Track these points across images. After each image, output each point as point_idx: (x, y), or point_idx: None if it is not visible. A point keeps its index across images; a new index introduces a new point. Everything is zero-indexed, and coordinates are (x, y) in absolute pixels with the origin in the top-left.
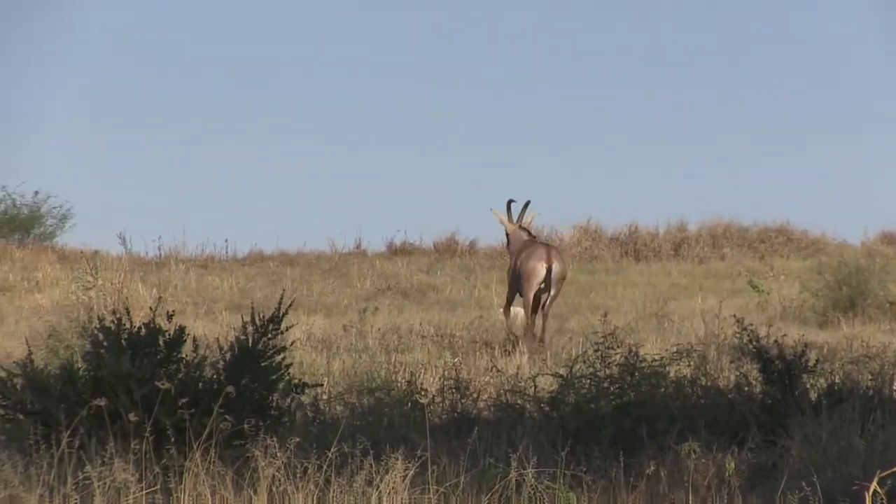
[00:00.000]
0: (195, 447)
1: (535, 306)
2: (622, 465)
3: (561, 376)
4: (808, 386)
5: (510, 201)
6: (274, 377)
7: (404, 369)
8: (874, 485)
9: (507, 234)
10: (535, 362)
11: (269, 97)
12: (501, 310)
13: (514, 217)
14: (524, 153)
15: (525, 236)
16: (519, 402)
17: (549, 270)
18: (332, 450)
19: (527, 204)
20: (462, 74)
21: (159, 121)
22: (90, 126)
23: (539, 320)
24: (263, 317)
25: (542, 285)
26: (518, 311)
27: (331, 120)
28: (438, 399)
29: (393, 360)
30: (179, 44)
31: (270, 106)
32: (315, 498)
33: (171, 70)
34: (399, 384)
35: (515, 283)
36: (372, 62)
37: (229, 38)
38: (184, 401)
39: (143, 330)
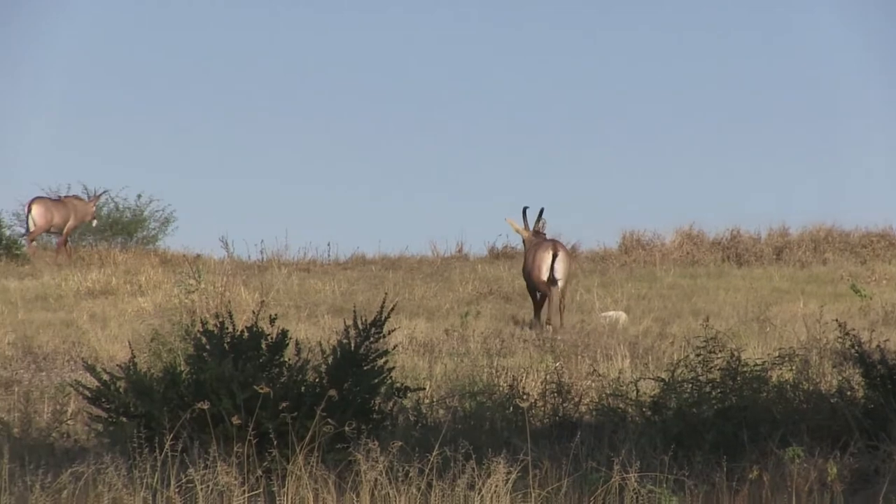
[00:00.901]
0: (297, 451)
1: (547, 296)
2: (724, 469)
3: (663, 380)
4: None
5: (525, 208)
6: (376, 381)
7: (506, 373)
8: None
9: (524, 241)
10: (637, 366)
11: (373, 101)
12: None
13: (531, 224)
14: (624, 158)
15: (535, 237)
16: (621, 406)
17: (553, 259)
18: (434, 453)
19: (541, 211)
20: (567, 81)
21: (263, 125)
22: (192, 130)
23: (553, 308)
24: (366, 320)
25: (550, 275)
26: (621, 315)
27: (434, 125)
28: (540, 403)
29: (495, 363)
30: (273, 47)
31: (372, 109)
32: (417, 502)
33: (273, 75)
34: (501, 388)
35: (528, 279)
36: (473, 66)
37: (332, 41)
38: (286, 404)
39: (246, 333)
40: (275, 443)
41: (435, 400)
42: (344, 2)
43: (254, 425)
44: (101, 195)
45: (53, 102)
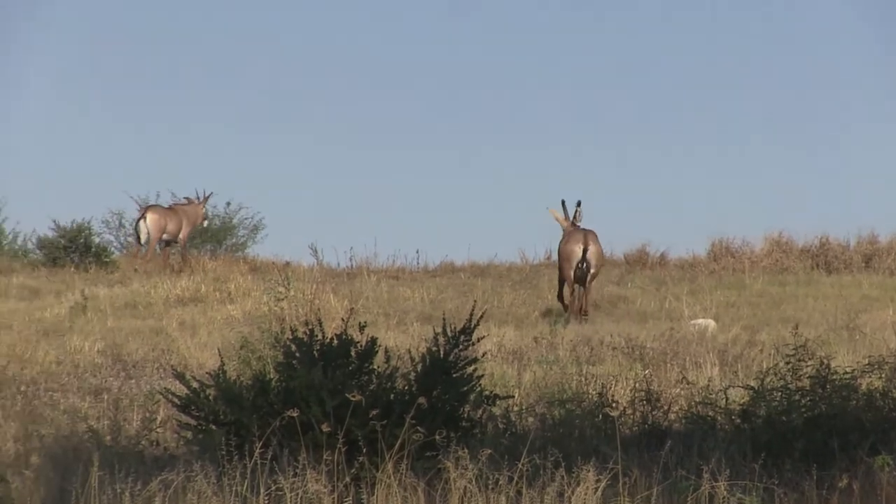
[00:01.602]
0: (387, 458)
1: (579, 283)
2: (814, 478)
3: (752, 388)
4: None
5: (563, 201)
6: (465, 388)
7: (595, 381)
8: None
9: (563, 230)
10: (727, 374)
11: (463, 109)
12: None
13: (570, 215)
14: (713, 165)
15: (571, 226)
16: (710, 414)
17: (584, 250)
18: (524, 461)
19: (578, 203)
20: (655, 86)
21: (353, 133)
22: (282, 137)
23: (582, 296)
24: (455, 328)
25: (580, 263)
26: (710, 322)
27: (523, 133)
28: (629, 411)
29: (584, 371)
30: (367, 53)
31: (463, 118)
32: None
33: (367, 81)
34: (590, 396)
35: (561, 267)
36: (560, 73)
37: (422, 49)
38: (375, 412)
39: (335, 341)
40: (364, 450)
41: (524, 408)
42: (442, 9)
43: (343, 433)
44: (208, 196)
45: (139, 109)
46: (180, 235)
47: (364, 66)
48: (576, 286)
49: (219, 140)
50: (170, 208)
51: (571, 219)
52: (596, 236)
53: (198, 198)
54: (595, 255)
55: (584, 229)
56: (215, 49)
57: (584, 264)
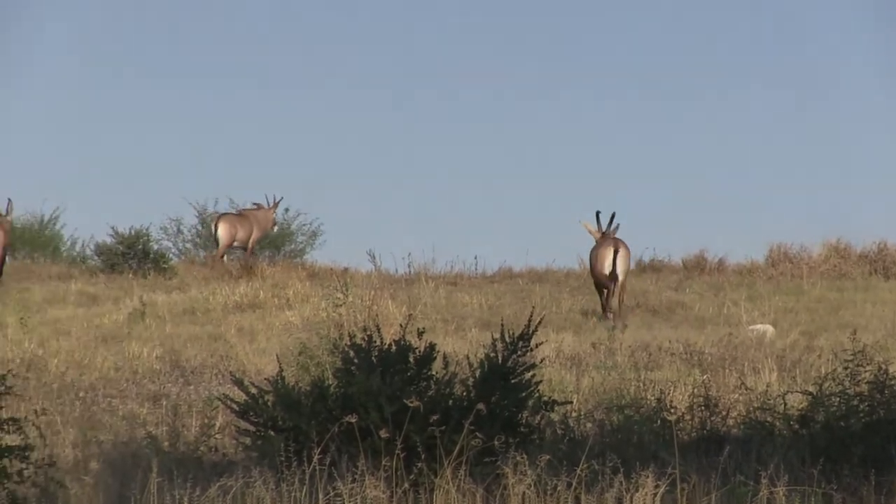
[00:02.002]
0: (446, 464)
1: (609, 289)
2: (873, 483)
3: (810, 394)
4: None
5: (598, 212)
6: (524, 394)
7: (653, 386)
8: None
9: (595, 242)
10: (785, 380)
11: (520, 115)
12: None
13: (603, 227)
14: (771, 171)
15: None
16: (768, 419)
17: (615, 256)
18: (582, 467)
19: (612, 215)
20: (711, 94)
21: (410, 140)
22: (341, 144)
23: (614, 300)
24: (513, 334)
25: (610, 270)
26: (768, 328)
27: (581, 138)
28: (688, 416)
29: (642, 377)
30: (423, 60)
31: (519, 124)
32: None
33: (425, 87)
34: (648, 401)
35: (593, 274)
36: (616, 78)
37: (479, 55)
38: (434, 418)
39: (394, 347)
40: (423, 456)
41: (582, 413)
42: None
43: (402, 439)
44: (279, 202)
45: (196, 115)
46: (250, 241)
47: (422, 68)
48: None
49: (277, 145)
50: (240, 215)
51: (604, 231)
52: (625, 244)
53: (268, 203)
54: (623, 260)
55: (613, 238)
56: (266, 53)
57: (614, 270)
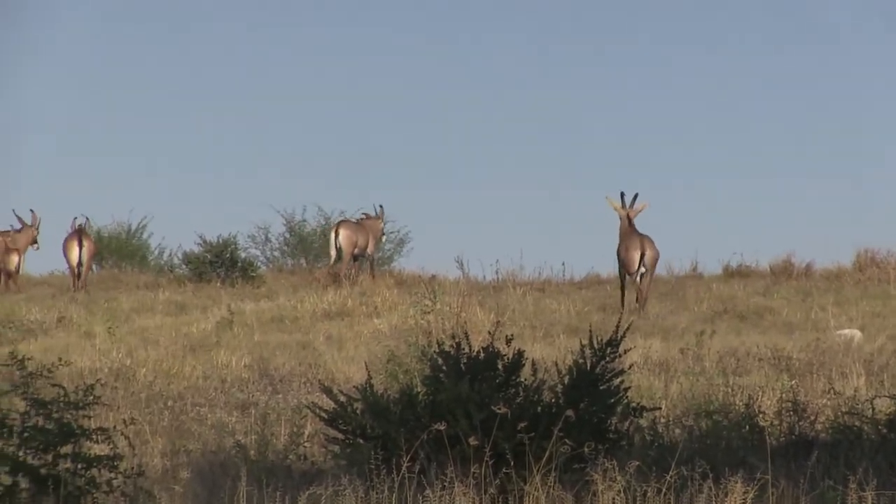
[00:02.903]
0: (535, 471)
1: (635, 283)
2: None
3: None
4: None
5: (622, 193)
6: (612, 400)
7: (742, 392)
8: None
9: (619, 219)
10: (873, 384)
11: (610, 122)
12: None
13: (626, 204)
14: (858, 176)
15: (628, 224)
16: (856, 424)
17: (642, 255)
18: (671, 473)
19: (635, 196)
20: (803, 101)
21: (497, 147)
22: (429, 153)
23: (640, 294)
24: (601, 340)
25: (638, 266)
26: (856, 333)
27: (661, 144)
28: (776, 421)
29: (730, 382)
30: (514, 71)
31: (604, 131)
32: None
33: (515, 93)
34: (737, 407)
35: (621, 267)
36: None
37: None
38: (523, 424)
39: (482, 354)
40: (511, 463)
41: (671, 419)
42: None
43: (491, 446)
44: (382, 210)
45: (283, 125)
46: (368, 250)
47: (507, 71)
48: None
49: (363, 152)
50: (358, 223)
51: (628, 207)
52: (652, 242)
53: (375, 212)
54: (651, 258)
55: (640, 235)
56: (364, 63)
57: (642, 267)
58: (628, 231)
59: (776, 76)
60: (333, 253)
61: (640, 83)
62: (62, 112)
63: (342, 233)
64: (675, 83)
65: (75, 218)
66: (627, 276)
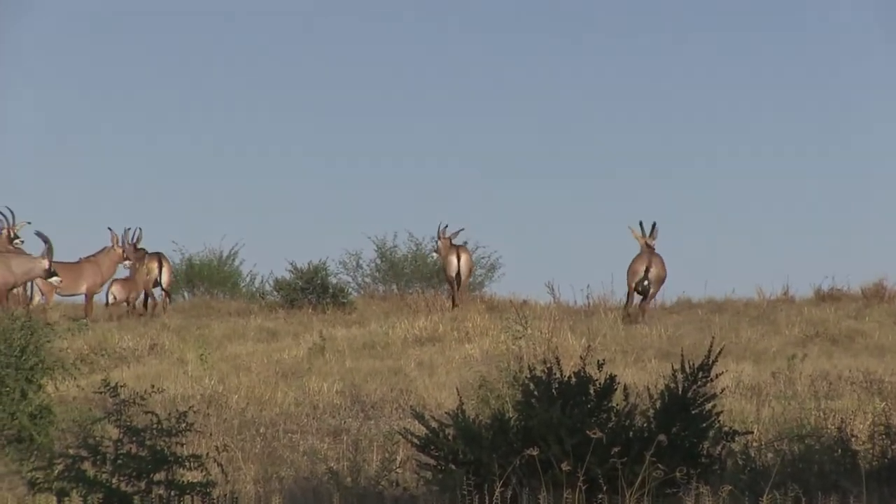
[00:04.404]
0: (627, 496)
1: (640, 297)
2: None
3: None
4: None
5: (641, 222)
6: (704, 425)
7: (834, 416)
8: None
9: (640, 247)
10: None
11: (696, 138)
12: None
13: (646, 233)
14: None
15: (646, 248)
16: None
17: (647, 270)
18: (765, 497)
19: (654, 224)
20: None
21: (583, 170)
22: (520, 177)
23: (643, 308)
24: (693, 364)
25: (642, 281)
26: None
27: (749, 164)
28: (868, 445)
29: (822, 406)
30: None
31: (701, 149)
32: None
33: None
34: (829, 430)
35: (629, 281)
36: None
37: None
38: (615, 449)
39: (574, 379)
40: (604, 488)
41: (763, 443)
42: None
43: (583, 471)
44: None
45: (373, 150)
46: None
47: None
48: (637, 298)
49: (452, 177)
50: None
51: (647, 237)
52: (661, 260)
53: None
54: (656, 276)
55: (650, 253)
56: (443, 85)
57: (646, 282)
58: (644, 251)
59: (868, 94)
60: (453, 274)
61: (746, 113)
62: (157, 137)
63: (463, 257)
64: (775, 110)
65: (128, 229)
66: (631, 290)
